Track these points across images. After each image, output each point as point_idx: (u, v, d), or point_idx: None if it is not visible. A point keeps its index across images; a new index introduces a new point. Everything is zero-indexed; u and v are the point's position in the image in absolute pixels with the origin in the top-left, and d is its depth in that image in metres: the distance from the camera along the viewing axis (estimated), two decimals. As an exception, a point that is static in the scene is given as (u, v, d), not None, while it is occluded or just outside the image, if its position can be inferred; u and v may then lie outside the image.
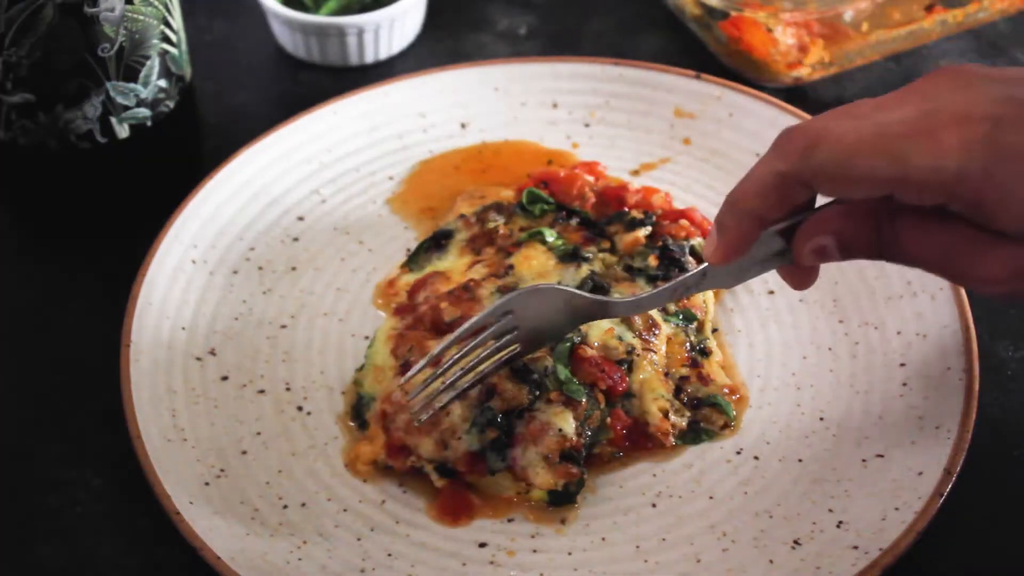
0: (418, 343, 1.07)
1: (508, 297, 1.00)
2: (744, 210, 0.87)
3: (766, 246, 0.89)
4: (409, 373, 1.02)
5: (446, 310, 1.10)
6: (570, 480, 1.01)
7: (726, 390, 1.09)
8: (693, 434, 1.07)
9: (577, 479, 1.01)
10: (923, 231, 0.81)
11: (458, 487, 1.03)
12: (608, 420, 1.04)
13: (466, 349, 1.01)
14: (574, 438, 1.01)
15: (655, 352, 1.08)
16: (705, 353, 1.12)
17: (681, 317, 1.12)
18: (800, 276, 0.93)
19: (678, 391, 1.09)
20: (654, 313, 1.10)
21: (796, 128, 0.83)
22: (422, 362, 1.01)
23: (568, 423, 1.01)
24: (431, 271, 1.18)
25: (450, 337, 1.01)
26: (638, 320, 1.09)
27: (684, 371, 1.09)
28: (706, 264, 0.93)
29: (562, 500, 1.02)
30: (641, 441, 1.06)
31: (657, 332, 1.09)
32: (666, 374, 1.09)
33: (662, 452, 1.06)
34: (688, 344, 1.11)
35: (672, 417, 1.06)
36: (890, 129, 0.78)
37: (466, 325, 1.00)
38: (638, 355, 1.07)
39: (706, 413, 1.08)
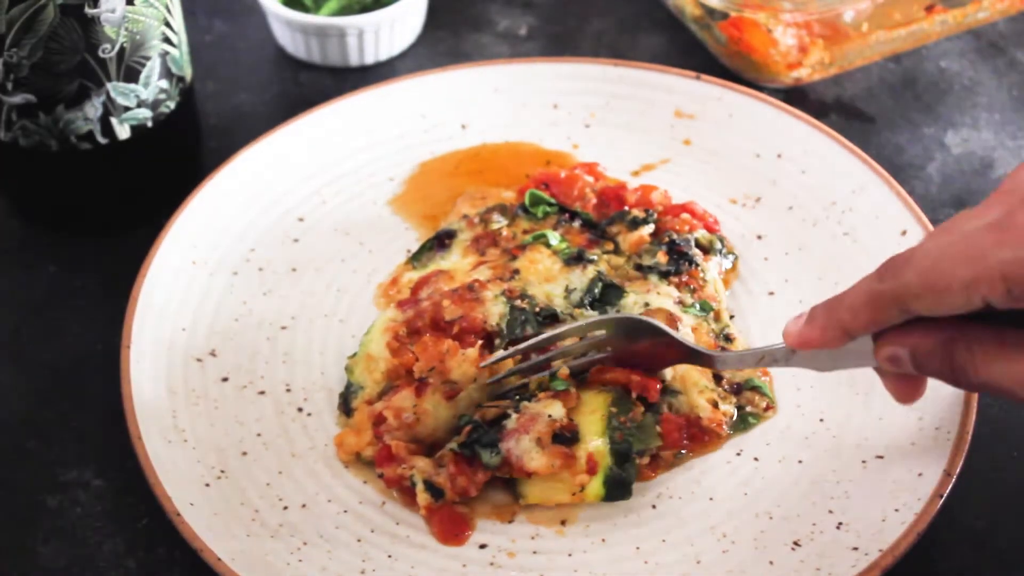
0: (425, 352, 1.06)
1: (612, 317, 1.05)
2: (835, 317, 0.89)
3: (859, 344, 0.91)
4: (492, 358, 1.05)
5: (448, 308, 1.10)
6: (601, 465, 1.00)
7: (759, 373, 1.10)
8: (741, 420, 1.08)
9: (627, 468, 1.00)
10: (1002, 357, 0.82)
11: (446, 507, 1.02)
12: (659, 428, 1.04)
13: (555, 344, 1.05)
14: (564, 420, 1.01)
15: None
16: (729, 339, 1.12)
17: (698, 308, 1.12)
18: (904, 389, 0.94)
19: (717, 379, 1.09)
20: (673, 307, 1.10)
21: (900, 252, 0.84)
22: (510, 351, 1.05)
23: (556, 408, 1.01)
24: (435, 269, 1.18)
25: (543, 335, 1.05)
26: (658, 318, 1.08)
27: None
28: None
29: (618, 494, 1.01)
30: (698, 437, 1.06)
31: (680, 326, 1.09)
32: None
33: (715, 444, 1.06)
34: (712, 333, 1.11)
35: (722, 406, 1.07)
36: (973, 234, 0.79)
37: (565, 328, 1.05)
38: None
39: (748, 396, 1.09)
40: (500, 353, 1.06)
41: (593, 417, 1.02)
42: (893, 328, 0.87)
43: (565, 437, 1.01)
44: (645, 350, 1.04)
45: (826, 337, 0.90)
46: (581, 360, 1.06)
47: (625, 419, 1.02)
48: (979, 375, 0.83)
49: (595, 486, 1.00)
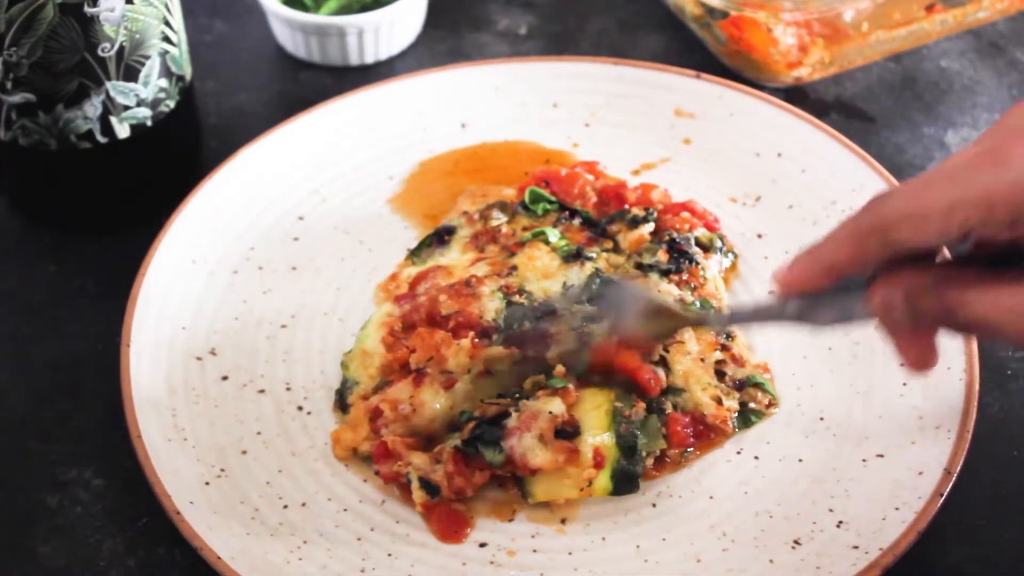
0: (421, 343, 1.06)
1: (607, 286, 1.05)
2: (818, 256, 0.87)
3: (852, 296, 0.88)
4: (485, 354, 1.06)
5: (444, 303, 1.10)
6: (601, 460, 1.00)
7: (760, 370, 1.10)
8: (743, 417, 1.08)
9: (634, 462, 1.01)
10: (993, 291, 0.80)
11: (444, 505, 1.02)
12: (664, 429, 1.04)
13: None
14: (565, 415, 1.01)
15: (685, 343, 1.08)
16: (730, 336, 1.12)
17: (699, 306, 1.12)
18: (915, 351, 0.89)
19: (720, 376, 1.09)
20: (673, 306, 1.10)
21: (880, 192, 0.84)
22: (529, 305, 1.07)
23: (556, 404, 1.01)
24: (434, 265, 1.18)
25: (552, 301, 1.07)
26: None
27: (718, 355, 1.10)
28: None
29: (626, 487, 1.01)
30: (704, 434, 1.06)
31: None
32: (702, 360, 1.09)
33: (722, 441, 1.06)
34: (713, 331, 1.11)
35: (725, 402, 1.07)
36: (958, 164, 0.78)
37: (567, 291, 1.06)
38: (669, 349, 1.07)
39: (751, 393, 1.09)
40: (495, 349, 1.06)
41: (597, 412, 1.02)
42: (885, 275, 0.85)
43: (567, 432, 1.01)
44: (639, 325, 1.03)
45: (811, 277, 0.87)
46: (580, 345, 1.05)
47: (629, 413, 1.02)
48: (972, 310, 0.80)
49: (603, 480, 1.00)
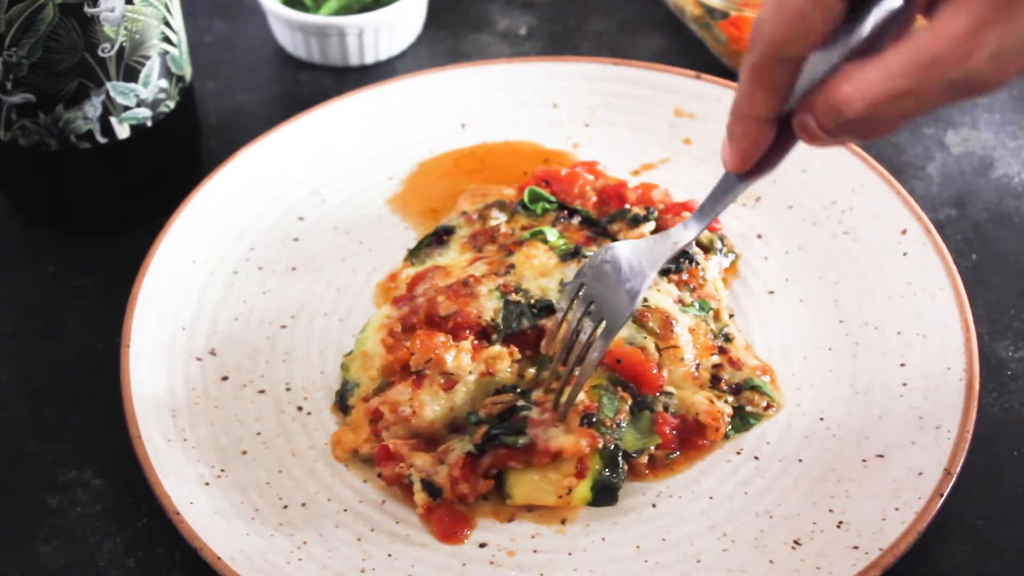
0: (421, 345, 1.06)
1: (577, 272, 1.04)
2: (742, 114, 0.86)
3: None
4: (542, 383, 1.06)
5: (443, 304, 1.10)
6: (593, 444, 1.00)
7: (758, 372, 1.10)
8: (741, 420, 1.07)
9: (616, 475, 1.01)
10: (857, 72, 0.78)
11: (445, 506, 1.02)
12: (655, 426, 1.04)
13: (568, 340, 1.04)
14: (586, 402, 1.02)
15: (678, 347, 1.08)
16: (728, 338, 1.12)
17: (697, 307, 1.12)
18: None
19: (716, 380, 1.09)
20: (672, 305, 1.10)
21: None
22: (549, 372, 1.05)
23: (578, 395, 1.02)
24: (432, 265, 1.18)
25: (548, 339, 1.06)
26: (652, 320, 1.08)
27: (715, 359, 1.10)
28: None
29: (604, 499, 1.01)
30: (692, 440, 1.06)
31: (676, 327, 1.09)
32: (698, 365, 1.09)
33: (713, 446, 1.06)
34: (711, 333, 1.11)
35: (718, 403, 1.06)
36: None
37: (557, 317, 1.06)
38: (662, 352, 1.07)
39: (748, 396, 1.08)
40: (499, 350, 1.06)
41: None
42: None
43: (589, 417, 1.01)
44: (622, 280, 1.02)
45: (750, 138, 0.87)
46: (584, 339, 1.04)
47: (611, 421, 1.02)
48: (862, 99, 0.77)
49: (583, 490, 1.00)
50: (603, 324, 1.01)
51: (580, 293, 1.04)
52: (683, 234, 0.99)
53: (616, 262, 1.02)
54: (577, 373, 1.02)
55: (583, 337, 1.03)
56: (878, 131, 0.80)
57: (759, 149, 0.88)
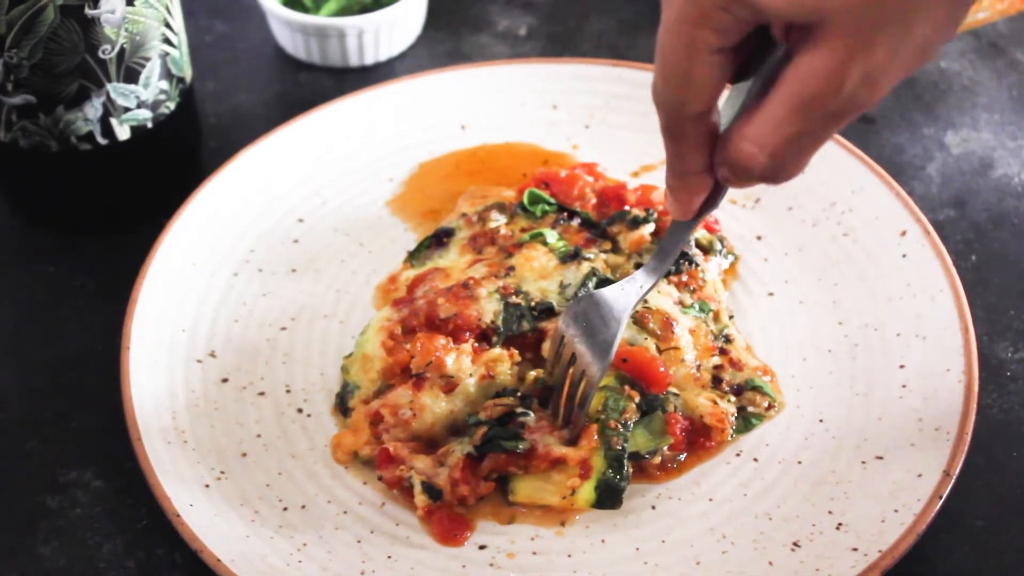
0: (421, 348, 1.06)
1: (560, 321, 1.04)
2: (678, 171, 0.87)
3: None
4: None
5: (442, 307, 1.10)
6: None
7: (759, 372, 1.10)
8: (744, 421, 1.08)
9: (622, 478, 1.01)
10: (744, 128, 0.79)
11: (445, 508, 1.02)
12: (667, 426, 1.04)
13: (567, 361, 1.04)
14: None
15: (679, 348, 1.08)
16: (728, 340, 1.12)
17: (697, 308, 1.12)
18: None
19: (717, 381, 1.09)
20: (672, 307, 1.10)
21: None
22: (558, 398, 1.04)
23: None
24: (432, 267, 1.18)
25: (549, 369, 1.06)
26: (652, 321, 1.08)
27: (715, 360, 1.10)
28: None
29: (608, 502, 1.01)
30: (699, 441, 1.06)
31: (676, 329, 1.09)
32: (699, 366, 1.09)
33: (720, 448, 1.06)
34: (711, 334, 1.11)
35: (721, 404, 1.07)
36: None
37: (550, 358, 1.05)
38: (662, 353, 1.07)
39: (750, 397, 1.09)
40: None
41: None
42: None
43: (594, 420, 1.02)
44: (601, 322, 1.03)
45: (690, 191, 0.88)
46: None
47: (616, 423, 1.02)
48: (763, 152, 0.79)
49: (586, 491, 1.00)
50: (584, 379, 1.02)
51: (561, 348, 1.04)
52: (647, 279, 1.02)
53: (587, 314, 1.03)
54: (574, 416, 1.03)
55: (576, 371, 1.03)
56: (793, 169, 0.81)
57: (701, 197, 0.90)
